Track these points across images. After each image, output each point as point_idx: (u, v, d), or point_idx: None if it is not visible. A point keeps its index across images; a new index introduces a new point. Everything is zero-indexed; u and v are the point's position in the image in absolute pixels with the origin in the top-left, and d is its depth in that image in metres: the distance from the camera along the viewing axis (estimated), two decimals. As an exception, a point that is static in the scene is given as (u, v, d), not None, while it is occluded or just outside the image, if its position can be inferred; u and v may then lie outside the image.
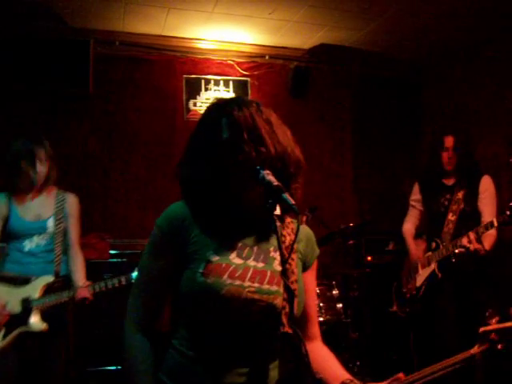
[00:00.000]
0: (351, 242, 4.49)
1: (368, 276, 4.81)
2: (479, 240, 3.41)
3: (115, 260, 4.60)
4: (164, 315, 1.51)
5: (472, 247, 3.41)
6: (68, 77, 4.75)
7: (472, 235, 3.42)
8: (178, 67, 5.38)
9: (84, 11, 4.61)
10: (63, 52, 4.72)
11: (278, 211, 1.32)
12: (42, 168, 3.12)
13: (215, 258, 1.37)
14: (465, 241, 3.46)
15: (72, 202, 3.32)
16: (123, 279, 3.10)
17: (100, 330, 4.35)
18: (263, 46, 5.49)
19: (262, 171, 1.34)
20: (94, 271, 4.40)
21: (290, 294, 1.29)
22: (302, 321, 1.50)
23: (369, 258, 5.03)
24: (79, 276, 3.20)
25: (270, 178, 1.32)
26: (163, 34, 5.14)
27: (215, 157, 1.40)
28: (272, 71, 5.66)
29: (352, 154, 5.90)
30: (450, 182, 3.85)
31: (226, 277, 1.35)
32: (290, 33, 5.17)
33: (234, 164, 1.38)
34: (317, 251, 1.61)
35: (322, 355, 1.56)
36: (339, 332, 3.94)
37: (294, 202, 1.26)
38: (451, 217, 3.72)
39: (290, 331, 1.35)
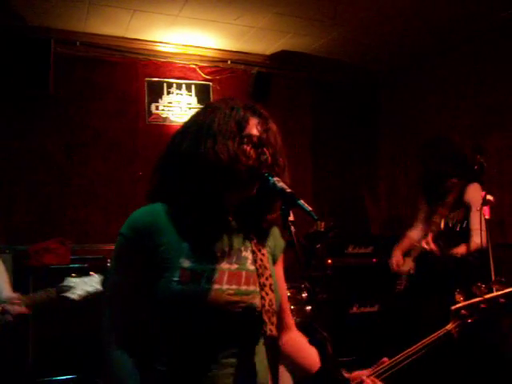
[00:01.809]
0: (318, 245, 4.57)
1: (329, 278, 4.89)
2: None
3: (76, 265, 4.50)
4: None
5: (428, 248, 3.58)
6: (28, 77, 4.60)
7: (429, 237, 3.59)
8: (141, 70, 5.32)
9: (45, 10, 4.48)
10: (23, 51, 4.57)
11: (292, 217, 1.35)
12: None
13: (189, 265, 1.34)
14: (423, 242, 3.63)
15: None
16: (52, 293, 2.76)
17: (58, 339, 4.24)
18: (226, 50, 5.52)
19: (271, 178, 1.37)
20: (54, 276, 4.31)
21: (275, 290, 1.30)
22: (278, 313, 1.49)
23: (329, 261, 5.12)
24: (6, 291, 2.86)
25: (282, 184, 1.35)
26: (126, 36, 5.07)
27: (229, 152, 1.38)
28: (234, 76, 5.69)
29: (311, 159, 6.00)
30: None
31: (203, 282, 1.33)
32: (254, 39, 5.22)
33: (243, 164, 1.39)
34: (282, 243, 1.61)
35: (301, 344, 1.61)
36: (307, 334, 4.00)
37: (310, 209, 1.29)
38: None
39: (273, 329, 1.38)
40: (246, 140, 1.41)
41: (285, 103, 5.90)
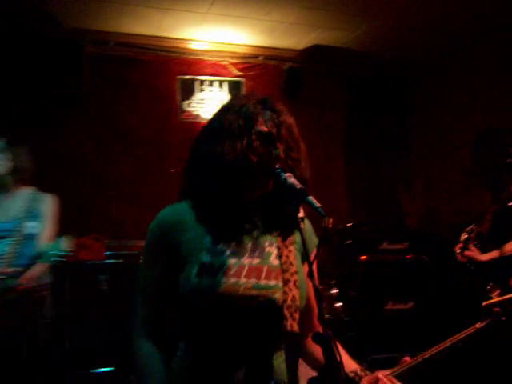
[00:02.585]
0: (348, 241, 4.54)
1: (362, 275, 4.84)
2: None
3: (111, 261, 4.59)
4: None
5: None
6: (62, 77, 4.74)
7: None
8: (173, 68, 5.38)
9: (79, 12, 4.59)
10: (58, 53, 4.70)
11: (301, 213, 1.33)
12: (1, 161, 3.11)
13: (208, 259, 1.37)
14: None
15: (46, 201, 3.26)
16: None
17: (96, 331, 4.35)
18: (257, 46, 5.51)
19: (283, 173, 1.35)
20: (89, 272, 4.42)
21: (317, 292, 1.29)
22: (305, 312, 1.48)
23: (363, 257, 5.07)
24: (34, 270, 3.10)
25: (293, 180, 1.33)
26: (158, 34, 5.13)
27: (236, 151, 1.39)
28: (266, 72, 5.68)
29: (344, 154, 5.94)
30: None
31: (220, 276, 1.34)
32: (285, 34, 5.19)
33: (254, 161, 1.38)
34: (315, 241, 1.59)
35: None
36: (338, 330, 3.97)
37: (319, 205, 1.27)
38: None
39: (294, 325, 1.36)
40: (255, 137, 1.40)
41: (317, 98, 5.86)
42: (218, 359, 1.36)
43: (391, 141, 6.02)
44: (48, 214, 3.22)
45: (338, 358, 1.21)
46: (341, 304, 4.06)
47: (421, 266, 4.88)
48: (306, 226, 1.58)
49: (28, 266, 3.09)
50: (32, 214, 3.12)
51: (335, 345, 1.24)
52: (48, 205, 3.24)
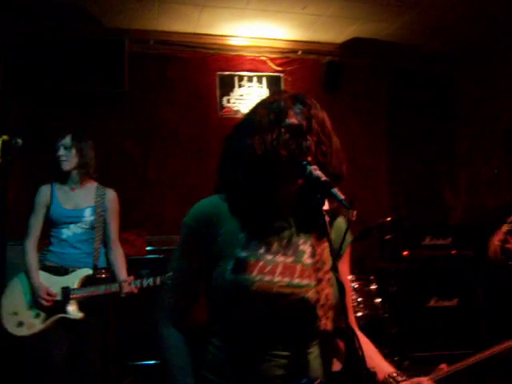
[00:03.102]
0: (388, 236, 4.46)
1: (405, 271, 4.76)
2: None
3: (152, 256, 4.67)
4: (199, 310, 1.52)
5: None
6: (104, 76, 4.85)
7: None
8: (212, 64, 5.41)
9: (119, 11, 4.69)
10: (99, 52, 4.82)
11: (326, 206, 1.32)
12: (62, 153, 3.22)
13: (244, 255, 1.37)
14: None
15: (112, 196, 3.39)
16: (158, 280, 3.15)
17: (139, 325, 4.43)
18: (296, 41, 5.48)
19: (309, 166, 1.35)
20: (131, 267, 4.50)
21: (340, 288, 1.28)
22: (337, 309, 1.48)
23: (405, 253, 4.98)
24: (121, 271, 3.29)
25: (318, 173, 1.32)
26: (197, 31, 5.18)
27: (265, 151, 1.39)
28: (305, 66, 5.64)
29: (386, 148, 5.85)
30: None
31: (255, 273, 1.35)
32: (323, 27, 5.14)
33: (284, 155, 1.38)
34: (349, 239, 1.57)
35: (364, 348, 1.54)
36: (377, 327, 3.92)
37: (343, 197, 1.26)
38: None
39: (328, 324, 1.36)
40: (284, 130, 1.40)
41: (357, 92, 5.78)
42: (251, 355, 1.36)
43: (434, 134, 5.88)
44: (113, 208, 3.36)
45: (360, 354, 1.20)
46: (380, 300, 4.00)
47: (465, 261, 4.76)
48: (338, 222, 1.57)
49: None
50: (102, 207, 3.27)
51: (358, 340, 1.23)
52: (113, 199, 3.38)
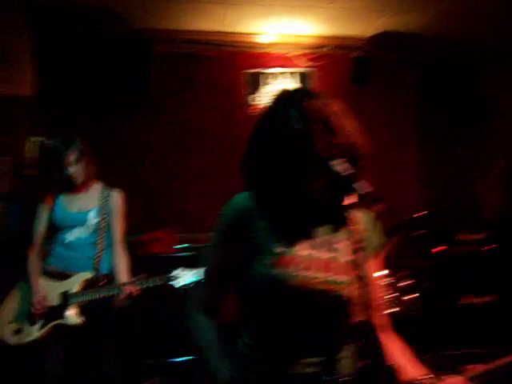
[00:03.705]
0: (419, 232, 4.39)
1: (438, 267, 4.68)
2: None
3: (183, 254, 4.70)
4: (228, 306, 1.52)
5: None
6: (131, 77, 4.89)
7: None
8: (238, 62, 5.42)
9: (145, 12, 4.72)
10: (125, 52, 4.87)
11: (351, 200, 1.31)
12: (73, 170, 3.14)
13: (280, 250, 1.38)
14: None
15: (117, 198, 3.30)
16: (158, 280, 3.09)
17: (165, 323, 4.47)
18: (323, 36, 5.43)
19: (331, 161, 1.34)
20: (162, 265, 4.54)
21: (363, 284, 1.27)
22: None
23: (438, 249, 4.89)
24: (123, 274, 3.19)
25: (341, 167, 1.31)
26: (223, 30, 5.18)
27: (283, 147, 1.39)
28: (333, 62, 5.59)
29: (416, 142, 5.76)
30: None
31: (292, 268, 1.36)
32: (351, 21, 5.08)
33: (302, 154, 1.37)
34: (381, 237, 1.58)
35: (393, 346, 1.53)
36: (410, 324, 3.86)
37: (370, 190, 1.25)
38: None
39: (361, 321, 1.36)
40: (293, 133, 1.39)
41: (387, 86, 5.71)
42: (284, 350, 1.37)
43: (466, 127, 5.76)
44: (118, 210, 3.28)
45: (381, 350, 1.20)
46: (413, 296, 3.93)
47: (501, 257, 4.66)
48: (367, 218, 1.55)
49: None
50: (106, 209, 3.20)
51: (376, 335, 1.22)
52: (118, 200, 3.30)
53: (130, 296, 3.04)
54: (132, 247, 4.61)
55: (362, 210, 1.50)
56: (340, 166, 1.31)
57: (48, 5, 4.58)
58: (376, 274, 1.57)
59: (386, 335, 1.54)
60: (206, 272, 1.54)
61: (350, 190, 1.28)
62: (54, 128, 4.72)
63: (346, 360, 1.40)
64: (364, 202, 1.27)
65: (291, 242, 1.40)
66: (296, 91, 1.50)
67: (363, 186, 1.25)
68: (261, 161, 1.44)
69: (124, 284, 3.07)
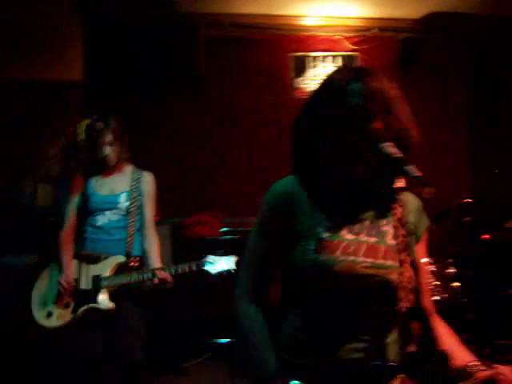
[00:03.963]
0: (467, 219, 4.30)
1: (485, 255, 4.58)
2: None
3: (227, 237, 4.76)
4: (273, 290, 1.53)
5: None
6: (180, 60, 4.96)
7: None
8: (285, 45, 5.39)
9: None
10: (176, 37, 4.92)
11: (400, 184, 1.30)
12: (110, 152, 3.05)
13: (326, 235, 1.36)
14: None
15: (148, 180, 3.20)
16: (194, 266, 2.96)
17: (213, 304, 4.56)
18: (371, 18, 5.34)
19: (382, 143, 1.31)
20: (207, 248, 4.62)
21: (414, 268, 1.25)
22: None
23: (486, 236, 4.78)
24: (155, 258, 3.10)
25: (391, 149, 1.29)
26: (269, 12, 5.16)
27: (338, 120, 1.36)
28: (380, 44, 5.48)
29: (466, 127, 5.61)
30: None
31: (338, 253, 1.33)
32: (401, 3, 4.98)
33: (357, 130, 1.34)
34: (427, 222, 1.54)
35: (441, 331, 1.49)
36: (455, 312, 3.81)
37: (419, 174, 1.22)
38: None
39: (411, 306, 1.33)
40: (348, 111, 1.36)
41: (436, 69, 5.56)
42: (331, 337, 1.36)
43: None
44: (149, 192, 3.19)
45: (432, 335, 1.18)
46: (458, 284, 3.87)
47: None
48: (413, 202, 1.52)
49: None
50: (137, 192, 3.12)
51: (429, 321, 1.20)
52: (149, 183, 3.20)
53: (163, 281, 2.95)
54: (178, 229, 4.74)
55: (409, 194, 1.48)
56: (391, 148, 1.29)
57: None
58: (422, 260, 1.54)
59: (433, 320, 1.52)
60: (249, 258, 1.52)
61: (400, 173, 1.27)
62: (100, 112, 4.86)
63: (394, 345, 1.37)
64: (414, 186, 1.25)
65: (337, 226, 1.38)
66: (358, 68, 1.47)
67: (414, 170, 1.23)
68: (312, 134, 1.41)
69: (157, 269, 2.98)
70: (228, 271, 2.97)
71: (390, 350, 1.37)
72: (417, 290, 1.30)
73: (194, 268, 2.95)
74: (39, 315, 2.99)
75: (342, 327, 1.36)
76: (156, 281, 2.92)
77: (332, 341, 1.36)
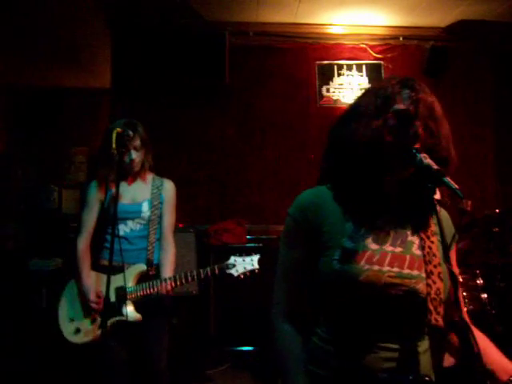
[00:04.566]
0: (496, 229, 4.23)
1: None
2: None
3: (252, 245, 4.76)
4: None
5: None
6: (206, 68, 4.99)
7: None
8: (311, 54, 5.40)
9: (220, 5, 4.80)
10: (201, 45, 4.96)
11: (438, 196, 1.29)
12: (136, 156, 2.98)
13: (351, 245, 1.35)
14: None
15: (169, 188, 3.14)
16: (216, 269, 2.91)
17: (239, 312, 4.57)
18: (397, 27, 5.33)
19: (418, 154, 1.30)
20: (231, 254, 4.65)
21: (453, 280, 1.23)
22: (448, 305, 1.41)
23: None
24: (166, 269, 3.02)
25: (429, 161, 1.28)
26: (295, 21, 5.19)
27: (371, 131, 1.36)
28: (406, 53, 5.47)
29: (494, 136, 5.54)
30: None
31: (363, 263, 1.32)
32: (427, 11, 4.95)
33: (390, 141, 1.34)
34: (452, 230, 1.52)
35: (482, 344, 1.41)
36: (483, 323, 3.75)
37: (457, 186, 1.21)
38: None
39: (439, 319, 1.31)
40: (391, 115, 1.36)
41: (464, 77, 5.51)
42: (358, 347, 1.35)
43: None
44: (170, 200, 3.13)
45: (476, 349, 1.15)
46: (487, 296, 3.81)
47: None
48: (443, 214, 1.52)
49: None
50: (158, 200, 3.07)
51: (472, 334, 1.18)
52: (169, 190, 3.15)
53: (166, 293, 2.89)
54: (203, 236, 4.76)
55: (440, 205, 1.46)
56: (428, 159, 1.28)
57: (125, 1, 4.75)
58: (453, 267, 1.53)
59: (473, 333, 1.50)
60: (281, 274, 1.51)
61: (439, 185, 1.26)
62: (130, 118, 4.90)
63: (425, 356, 1.36)
64: (451, 199, 1.24)
65: (362, 236, 1.37)
66: (404, 78, 1.45)
67: (452, 183, 1.22)
68: (343, 151, 1.41)
69: (165, 279, 2.91)
70: (252, 271, 2.95)
71: (420, 362, 1.34)
72: (451, 302, 1.27)
73: (217, 271, 2.91)
74: (67, 331, 2.95)
75: (369, 337, 1.34)
76: (161, 292, 2.88)
77: (359, 351, 1.34)
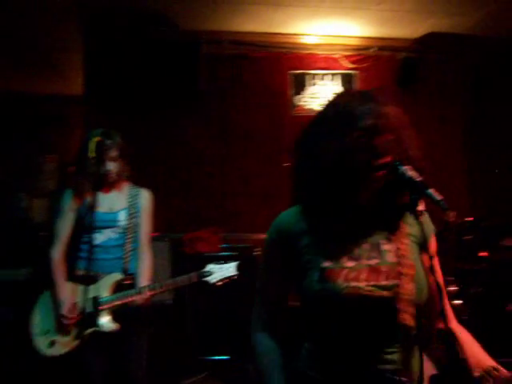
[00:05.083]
0: (467, 237, 4.32)
1: (484, 272, 4.59)
2: None
3: (226, 253, 4.73)
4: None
5: None
6: (180, 77, 4.96)
7: None
8: (284, 63, 5.43)
9: (194, 14, 4.80)
10: (175, 54, 4.93)
11: (421, 207, 1.31)
12: (113, 167, 2.96)
13: (328, 264, 1.37)
14: None
15: (146, 197, 3.12)
16: (194, 277, 2.92)
17: (214, 320, 4.54)
18: (370, 37, 5.41)
19: (401, 166, 1.32)
20: (205, 264, 4.62)
21: (438, 289, 1.26)
22: (430, 304, 1.43)
23: (483, 254, 4.80)
24: (143, 278, 2.98)
25: (412, 173, 1.30)
26: (269, 31, 5.21)
27: (346, 144, 1.35)
28: (379, 63, 5.54)
29: (464, 146, 5.65)
30: None
31: (341, 281, 1.34)
32: (399, 23, 5.05)
33: (364, 151, 1.34)
34: (431, 227, 1.54)
35: (460, 337, 1.47)
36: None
37: (440, 198, 1.24)
38: None
39: (407, 317, 1.33)
40: (359, 133, 1.35)
41: (434, 88, 5.62)
42: (344, 360, 1.37)
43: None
44: (146, 209, 3.11)
45: (461, 356, 1.17)
46: (460, 302, 3.87)
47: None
48: (425, 217, 1.53)
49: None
50: (135, 209, 3.04)
51: (458, 342, 1.19)
52: (146, 199, 3.13)
53: (144, 302, 2.87)
54: (177, 245, 4.72)
55: (419, 214, 1.49)
56: (410, 171, 1.30)
57: (99, 8, 4.70)
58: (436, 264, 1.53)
59: (452, 327, 1.50)
60: (260, 295, 1.56)
61: (422, 196, 1.28)
62: (102, 127, 4.84)
63: (415, 365, 1.37)
64: (437, 209, 1.26)
65: (338, 254, 1.39)
66: (363, 92, 1.46)
67: (435, 194, 1.24)
68: (315, 159, 1.40)
69: (143, 288, 2.88)
70: (229, 278, 2.95)
71: (412, 368, 1.36)
72: (441, 311, 1.30)
73: (196, 279, 2.91)
74: (42, 345, 2.86)
75: (353, 349, 1.35)
76: (139, 303, 2.85)
77: (344, 363, 1.36)
